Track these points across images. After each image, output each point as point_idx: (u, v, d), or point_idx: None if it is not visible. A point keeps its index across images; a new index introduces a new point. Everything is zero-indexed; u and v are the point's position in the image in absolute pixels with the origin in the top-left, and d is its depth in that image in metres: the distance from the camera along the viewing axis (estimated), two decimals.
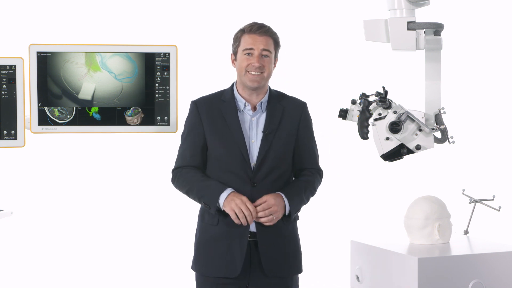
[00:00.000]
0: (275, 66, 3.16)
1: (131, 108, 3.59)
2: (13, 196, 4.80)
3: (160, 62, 3.58)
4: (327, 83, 5.18)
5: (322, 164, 3.26)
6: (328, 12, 5.20)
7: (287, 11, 5.14)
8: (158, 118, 3.61)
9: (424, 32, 3.15)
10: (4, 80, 3.52)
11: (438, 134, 3.19)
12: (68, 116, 3.58)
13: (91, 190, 5.05)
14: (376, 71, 4.96)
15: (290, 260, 3.14)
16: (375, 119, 3.16)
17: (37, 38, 4.25)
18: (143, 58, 3.58)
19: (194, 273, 3.20)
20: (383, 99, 3.13)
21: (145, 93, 3.59)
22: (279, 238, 3.10)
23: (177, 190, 3.19)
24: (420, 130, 3.15)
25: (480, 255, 3.07)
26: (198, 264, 3.16)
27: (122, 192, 5.06)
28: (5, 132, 3.54)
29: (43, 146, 4.63)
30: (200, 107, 3.16)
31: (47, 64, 3.54)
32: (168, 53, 3.58)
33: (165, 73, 3.59)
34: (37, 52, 3.54)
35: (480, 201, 3.45)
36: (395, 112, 3.13)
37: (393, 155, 3.19)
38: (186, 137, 3.17)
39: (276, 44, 3.13)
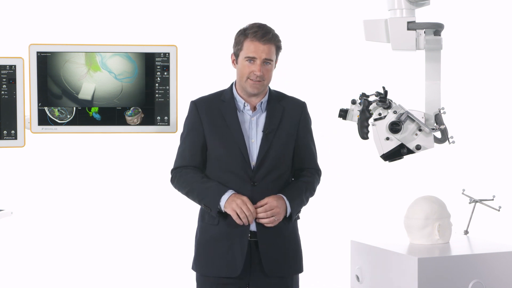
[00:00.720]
0: (274, 67, 3.15)
1: (131, 108, 3.59)
2: (13, 196, 4.80)
3: (160, 62, 3.58)
4: (327, 83, 5.18)
5: (321, 164, 3.25)
6: (328, 12, 5.19)
7: (287, 11, 5.14)
8: (158, 118, 3.60)
9: (424, 32, 3.14)
10: (4, 80, 3.52)
11: (438, 134, 3.19)
12: (68, 116, 3.58)
13: (91, 190, 5.04)
14: (376, 71, 4.96)
15: (291, 260, 3.14)
16: (375, 119, 3.16)
17: (37, 38, 4.25)
18: (143, 58, 3.57)
19: (194, 273, 3.19)
20: (383, 99, 3.13)
21: (145, 93, 3.59)
22: (280, 238, 3.09)
23: (176, 190, 3.19)
24: (420, 130, 3.14)
25: (480, 255, 3.07)
26: (199, 264, 3.16)
27: (122, 192, 5.05)
28: (5, 132, 3.54)
29: (43, 146, 4.62)
30: (200, 107, 3.15)
31: (47, 64, 3.54)
32: (168, 53, 3.58)
33: (165, 73, 3.58)
34: (37, 52, 3.54)
35: (480, 201, 3.45)
36: (395, 112, 3.13)
37: (393, 155, 3.19)
38: (185, 137, 3.17)
39: (278, 49, 3.11)
